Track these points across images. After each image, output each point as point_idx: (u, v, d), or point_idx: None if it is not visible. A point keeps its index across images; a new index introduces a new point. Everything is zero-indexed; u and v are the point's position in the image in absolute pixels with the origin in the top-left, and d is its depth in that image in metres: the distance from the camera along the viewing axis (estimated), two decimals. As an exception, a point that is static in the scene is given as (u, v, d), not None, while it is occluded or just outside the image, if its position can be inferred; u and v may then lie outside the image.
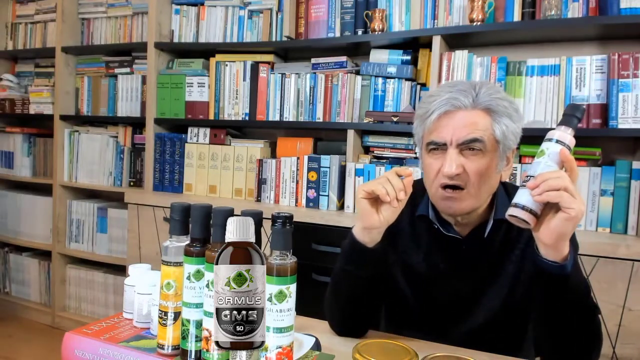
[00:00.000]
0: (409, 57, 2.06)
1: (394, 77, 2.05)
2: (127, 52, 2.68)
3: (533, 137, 1.41)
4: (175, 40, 2.49)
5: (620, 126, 1.69)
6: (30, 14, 2.97)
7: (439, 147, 0.94)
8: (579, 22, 1.76)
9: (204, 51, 2.42)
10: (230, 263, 0.64)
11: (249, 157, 2.30)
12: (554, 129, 0.81)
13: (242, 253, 0.64)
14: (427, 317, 1.04)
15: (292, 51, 2.40)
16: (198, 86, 2.41)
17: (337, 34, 2.17)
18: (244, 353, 0.68)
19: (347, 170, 2.06)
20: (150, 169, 2.49)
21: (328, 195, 2.08)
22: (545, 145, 0.80)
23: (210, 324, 0.69)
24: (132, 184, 2.65)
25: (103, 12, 2.75)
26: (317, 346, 0.85)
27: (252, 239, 0.66)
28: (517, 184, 1.66)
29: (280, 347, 0.68)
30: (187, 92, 2.43)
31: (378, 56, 2.10)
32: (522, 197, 0.78)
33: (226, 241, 0.65)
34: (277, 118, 2.25)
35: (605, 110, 1.74)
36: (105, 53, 2.75)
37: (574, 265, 0.81)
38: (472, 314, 1.01)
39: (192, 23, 2.47)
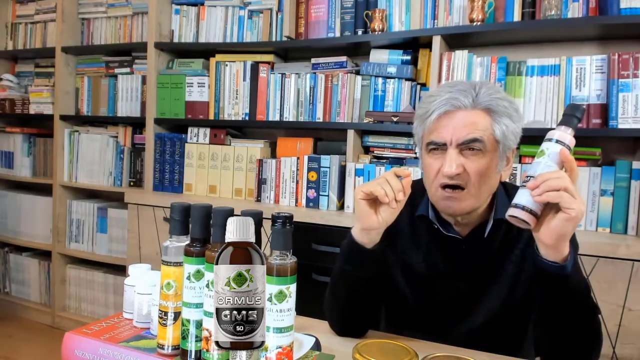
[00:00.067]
0: (409, 57, 2.06)
1: (394, 77, 2.05)
2: (127, 52, 2.68)
3: (533, 137, 1.42)
4: (175, 40, 2.49)
5: (620, 126, 1.69)
6: (30, 14, 2.97)
7: (438, 147, 0.94)
8: (579, 22, 1.76)
9: (204, 51, 2.42)
10: (230, 263, 0.64)
11: (249, 157, 2.31)
12: (554, 129, 0.81)
13: (242, 253, 0.64)
14: (427, 317, 1.04)
15: (292, 51, 2.40)
16: (198, 86, 2.41)
17: (337, 34, 2.17)
18: (244, 353, 0.68)
19: (347, 170, 2.06)
20: (150, 169, 2.49)
21: (328, 195, 2.08)
22: (545, 145, 0.80)
23: (210, 324, 0.69)
24: (132, 184, 2.65)
25: (103, 12, 2.75)
26: (317, 346, 0.85)
27: (252, 239, 0.66)
28: (517, 184, 1.66)
29: (280, 347, 0.68)
30: (187, 92, 2.43)
31: (378, 56, 2.10)
32: (522, 197, 0.78)
33: (226, 241, 0.65)
34: (277, 118, 2.25)
35: (605, 110, 1.74)
36: (105, 53, 2.75)
37: (574, 266, 0.81)
38: (472, 314, 1.01)
39: (192, 23, 2.47)
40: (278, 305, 0.67)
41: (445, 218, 1.02)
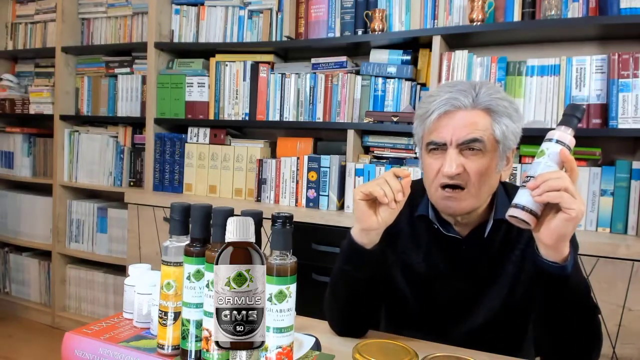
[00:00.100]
0: (409, 57, 2.06)
1: (394, 77, 2.05)
2: (127, 52, 2.68)
3: (533, 137, 1.42)
4: (175, 40, 2.49)
5: (620, 126, 1.69)
6: (30, 14, 2.97)
7: (438, 147, 0.94)
8: (579, 22, 1.76)
9: (204, 51, 2.42)
10: (230, 263, 0.64)
11: (249, 157, 2.31)
12: (554, 129, 0.81)
13: (242, 253, 0.64)
14: (427, 317, 1.04)
15: (292, 51, 2.40)
16: (198, 86, 2.41)
17: (337, 34, 2.17)
18: (244, 353, 0.68)
19: (347, 170, 2.06)
20: (150, 169, 2.49)
21: (328, 195, 2.08)
22: (545, 145, 0.80)
23: (210, 324, 0.69)
24: (132, 184, 2.65)
25: (103, 12, 2.75)
26: (317, 346, 0.85)
27: (252, 239, 0.66)
28: (517, 184, 1.67)
29: (280, 347, 0.68)
30: (187, 92, 2.43)
31: (378, 56, 2.10)
32: (523, 197, 0.78)
33: (226, 241, 0.65)
34: (277, 118, 2.25)
35: (605, 110, 1.74)
36: (105, 53, 2.75)
37: (574, 266, 0.81)
38: (472, 314, 1.01)
39: (192, 23, 2.47)
40: (278, 305, 0.67)
41: (445, 218, 1.02)
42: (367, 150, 2.17)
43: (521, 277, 0.98)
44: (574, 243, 0.89)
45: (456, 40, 1.99)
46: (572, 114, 0.80)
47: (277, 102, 2.25)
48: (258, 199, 2.23)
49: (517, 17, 1.87)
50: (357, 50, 2.22)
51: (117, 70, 2.70)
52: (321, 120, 2.16)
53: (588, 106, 1.76)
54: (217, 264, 0.64)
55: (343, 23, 2.16)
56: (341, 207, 2.09)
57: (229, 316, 0.63)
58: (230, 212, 0.71)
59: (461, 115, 0.92)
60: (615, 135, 1.76)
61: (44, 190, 2.89)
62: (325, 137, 2.31)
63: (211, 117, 2.39)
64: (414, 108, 2.00)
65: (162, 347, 0.76)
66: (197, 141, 2.42)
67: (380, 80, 2.07)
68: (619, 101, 1.69)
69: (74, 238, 2.79)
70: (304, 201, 2.13)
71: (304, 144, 2.23)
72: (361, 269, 0.93)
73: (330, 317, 1.01)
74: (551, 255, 0.79)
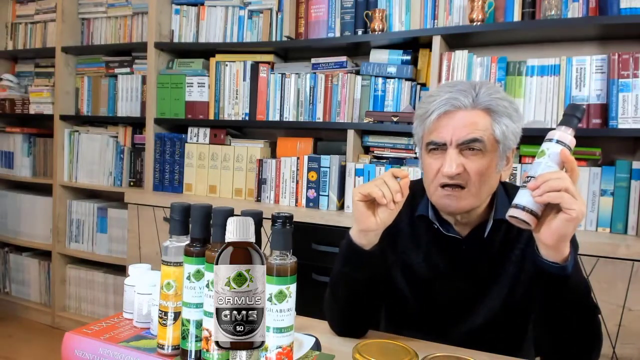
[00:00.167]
0: (409, 57, 2.06)
1: (394, 77, 2.05)
2: (127, 52, 2.68)
3: (533, 137, 1.42)
4: (175, 40, 2.49)
5: (620, 126, 1.69)
6: (30, 14, 2.97)
7: (438, 147, 0.94)
8: (579, 22, 1.76)
9: (204, 51, 2.42)
10: (230, 263, 0.64)
11: (249, 157, 2.30)
12: (554, 129, 0.81)
13: (242, 253, 0.64)
14: (427, 317, 1.04)
15: (292, 51, 2.40)
16: (198, 86, 2.41)
17: (337, 34, 2.17)
18: (244, 353, 0.68)
19: (347, 170, 2.06)
20: (150, 169, 2.49)
21: (328, 195, 2.08)
22: (545, 145, 0.80)
23: (210, 324, 0.69)
24: (132, 184, 2.65)
25: (103, 12, 2.75)
26: (317, 346, 0.85)
27: (252, 239, 0.66)
28: (517, 184, 1.66)
29: (280, 347, 0.68)
30: (187, 92, 2.43)
31: (378, 56, 2.10)
32: (523, 197, 0.78)
33: (226, 241, 0.65)
34: (277, 118, 2.25)
35: (605, 110, 1.74)
36: (105, 53, 2.75)
37: (575, 266, 0.81)
38: (472, 314, 1.01)
39: (192, 23, 2.47)
40: (278, 305, 0.67)
41: (445, 218, 1.02)
42: (367, 150, 2.17)
43: (521, 277, 0.98)
44: (574, 243, 0.89)
45: (456, 40, 1.99)
46: (572, 114, 0.80)
47: (277, 102, 2.25)
48: (258, 199, 2.23)
49: (517, 17, 1.87)
50: (357, 50, 2.22)
51: (117, 70, 2.70)
52: (321, 120, 2.16)
53: (588, 106, 1.76)
54: (217, 264, 0.64)
55: (343, 23, 2.16)
56: (341, 207, 2.09)
57: (229, 316, 0.63)
58: (230, 212, 0.71)
59: (461, 115, 0.92)
60: (615, 135, 1.76)
61: (44, 190, 2.89)
62: (325, 137, 2.31)
63: (211, 117, 2.39)
64: (414, 108, 2.00)
65: (162, 347, 0.76)
66: (197, 141, 2.42)
67: (380, 80, 2.07)
68: (619, 101, 1.69)
69: (74, 238, 2.79)
70: (304, 201, 2.13)
71: (304, 144, 2.23)
72: (360, 270, 0.93)
73: (330, 317, 1.01)
74: (551, 256, 0.79)
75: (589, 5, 1.78)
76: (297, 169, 2.14)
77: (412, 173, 1.92)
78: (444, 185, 0.93)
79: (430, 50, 1.96)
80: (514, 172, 1.83)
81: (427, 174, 0.97)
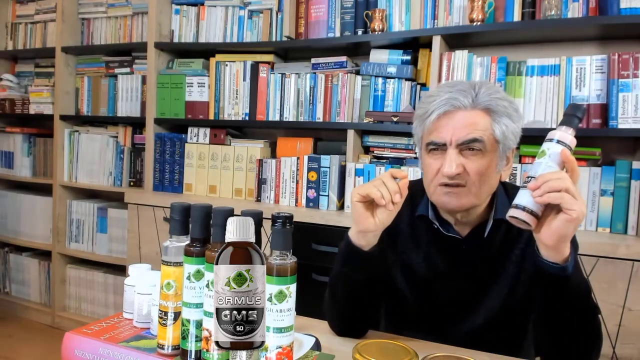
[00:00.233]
0: (409, 57, 2.06)
1: (394, 77, 2.05)
2: (127, 52, 2.68)
3: (533, 137, 1.42)
4: (175, 40, 2.49)
5: (620, 126, 1.69)
6: (30, 14, 2.97)
7: (438, 147, 0.94)
8: (579, 22, 1.76)
9: (204, 51, 2.42)
10: (230, 263, 0.64)
11: (249, 157, 2.30)
12: (554, 129, 0.81)
13: (242, 253, 0.64)
14: (427, 317, 1.04)
15: (292, 51, 2.40)
16: (198, 86, 2.41)
17: (337, 34, 2.17)
18: (244, 353, 0.68)
19: (347, 170, 2.06)
20: (150, 169, 2.49)
21: (328, 195, 2.08)
22: (546, 145, 0.80)
23: (210, 324, 0.69)
24: (132, 184, 2.65)
25: (103, 12, 2.75)
26: (317, 346, 0.85)
27: (252, 239, 0.66)
28: (517, 184, 1.67)
29: (280, 347, 0.68)
30: (187, 92, 2.43)
31: (378, 56, 2.10)
32: (523, 198, 0.78)
33: (226, 241, 0.65)
34: (277, 118, 2.25)
35: (605, 110, 1.74)
36: (105, 53, 2.75)
37: (575, 266, 0.81)
38: (472, 314, 1.01)
39: (192, 23, 2.47)
40: (278, 305, 0.67)
41: (445, 218, 1.02)
42: (367, 150, 2.17)
43: (521, 277, 0.98)
44: (574, 243, 0.89)
45: (456, 40, 1.99)
46: (573, 114, 0.80)
47: (277, 102, 2.25)
48: (258, 199, 2.23)
49: (517, 17, 1.87)
50: (357, 50, 2.22)
51: (117, 70, 2.70)
52: (321, 120, 2.16)
53: (588, 106, 1.75)
54: (217, 264, 0.64)
55: (343, 23, 2.16)
56: (341, 207, 2.09)
57: (229, 316, 0.63)
58: (230, 212, 0.71)
59: (461, 116, 0.92)
60: (615, 135, 1.76)
61: (44, 190, 2.89)
62: (325, 137, 2.31)
63: (211, 117, 2.39)
64: (414, 108, 2.00)
65: (162, 347, 0.76)
66: (197, 141, 2.42)
67: (380, 80, 2.07)
68: (619, 101, 1.69)
69: (74, 238, 2.79)
70: (304, 201, 2.13)
71: (304, 144, 2.23)
72: (359, 271, 0.93)
73: (330, 317, 1.01)
74: (552, 256, 0.79)
75: (589, 5, 1.78)
76: (297, 169, 2.14)
77: (412, 173, 1.92)
78: (444, 185, 0.93)
79: (430, 50, 1.96)
80: (514, 172, 1.83)
81: (427, 174, 0.97)
